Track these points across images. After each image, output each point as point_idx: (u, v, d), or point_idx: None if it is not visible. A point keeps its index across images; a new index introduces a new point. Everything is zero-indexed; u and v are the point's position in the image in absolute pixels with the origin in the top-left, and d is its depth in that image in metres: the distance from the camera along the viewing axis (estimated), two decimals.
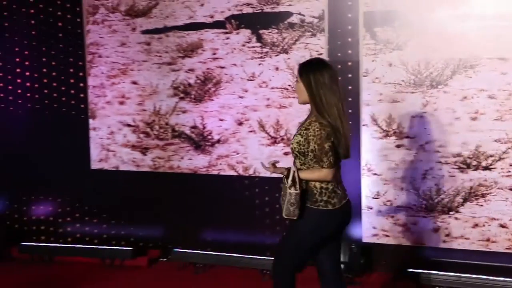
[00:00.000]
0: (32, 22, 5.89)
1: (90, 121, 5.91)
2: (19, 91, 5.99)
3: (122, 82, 5.82)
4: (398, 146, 5.16)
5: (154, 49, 5.72)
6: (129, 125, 5.85)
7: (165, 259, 5.86)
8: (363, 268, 5.28)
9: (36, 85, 5.97)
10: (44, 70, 5.93)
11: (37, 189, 6.05)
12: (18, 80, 5.98)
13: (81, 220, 5.99)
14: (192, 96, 5.68)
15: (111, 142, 5.90)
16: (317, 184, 3.57)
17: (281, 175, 3.60)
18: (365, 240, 5.30)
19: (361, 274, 5.26)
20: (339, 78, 3.68)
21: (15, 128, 6.02)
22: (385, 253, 5.28)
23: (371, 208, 5.26)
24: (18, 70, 5.96)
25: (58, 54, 5.90)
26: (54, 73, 5.92)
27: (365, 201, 5.26)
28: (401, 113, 5.12)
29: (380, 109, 5.17)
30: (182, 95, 5.70)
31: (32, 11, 5.88)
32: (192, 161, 5.72)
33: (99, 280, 5.51)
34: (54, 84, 5.93)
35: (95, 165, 5.95)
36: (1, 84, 6.01)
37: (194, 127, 5.70)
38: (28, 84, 5.97)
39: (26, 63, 5.95)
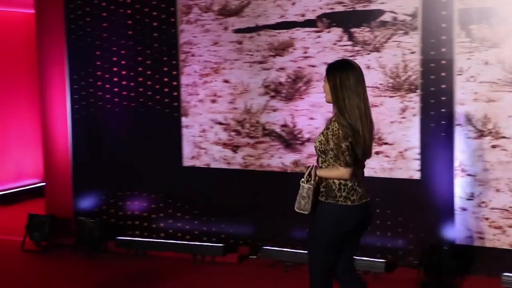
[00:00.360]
0: (129, 22, 6.07)
1: (183, 119, 6.04)
2: (116, 89, 6.18)
3: (214, 81, 5.92)
4: (493, 147, 5.02)
5: (246, 48, 5.79)
6: (220, 123, 5.94)
7: (254, 257, 5.91)
8: (456, 270, 5.15)
9: (132, 84, 6.14)
10: (140, 69, 6.10)
11: (132, 185, 6.23)
12: (115, 79, 6.17)
13: (173, 216, 6.13)
14: (283, 95, 5.71)
15: (203, 140, 6.00)
16: (336, 181, 3.65)
17: (303, 172, 3.74)
18: (458, 242, 5.18)
19: (453, 276, 5.14)
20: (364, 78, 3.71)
21: (111, 126, 6.22)
22: (479, 256, 5.14)
23: (465, 210, 5.14)
24: (115, 69, 6.16)
25: (153, 53, 6.05)
26: (148, 72, 6.08)
27: (459, 202, 5.14)
28: (497, 113, 4.97)
29: (475, 108, 5.03)
30: (273, 93, 5.74)
31: (129, 11, 6.06)
32: (282, 159, 5.76)
33: (190, 275, 5.63)
34: (149, 83, 6.09)
35: (187, 162, 6.07)
36: (99, 83, 6.23)
37: (285, 125, 5.73)
38: (124, 82, 6.16)
39: (123, 62, 6.14)
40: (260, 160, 5.83)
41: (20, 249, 6.30)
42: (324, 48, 5.53)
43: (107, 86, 6.22)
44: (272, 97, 5.75)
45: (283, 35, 5.66)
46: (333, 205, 3.65)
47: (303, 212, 3.75)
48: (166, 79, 6.05)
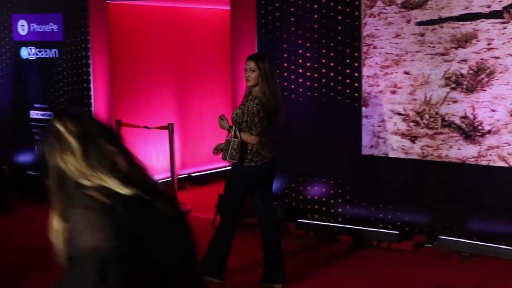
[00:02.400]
0: (315, 16, 6.39)
1: (363, 109, 6.23)
2: (300, 80, 6.52)
3: (395, 72, 6.05)
4: None
5: (428, 40, 5.85)
6: (399, 114, 6.06)
7: (430, 245, 5.97)
8: None
9: (315, 75, 6.45)
10: (323, 61, 6.38)
11: (312, 170, 6.52)
12: (300, 70, 6.52)
13: (350, 202, 6.35)
14: (464, 87, 5.71)
15: (382, 130, 6.16)
16: (248, 146, 4.89)
17: (224, 127, 5.00)
18: None
19: None
20: None
21: (296, 114, 6.57)
22: None
23: None
24: (300, 61, 6.51)
25: (336, 46, 6.31)
26: (331, 64, 6.34)
27: None
28: None
29: None
30: (453, 85, 5.76)
31: (315, 6, 6.37)
32: (461, 151, 5.76)
33: (365, 260, 5.83)
34: (331, 74, 6.36)
35: (366, 151, 6.25)
36: (285, 74, 6.61)
37: (465, 117, 5.73)
38: (308, 74, 6.48)
39: (308, 54, 6.46)
40: (438, 150, 5.88)
41: (212, 226, 6.87)
42: (510, 39, 5.46)
43: (292, 77, 6.57)
44: (453, 88, 5.77)
45: (467, 27, 5.66)
46: (242, 166, 4.90)
47: (233, 160, 4.89)
48: (348, 71, 6.28)
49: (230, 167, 5.17)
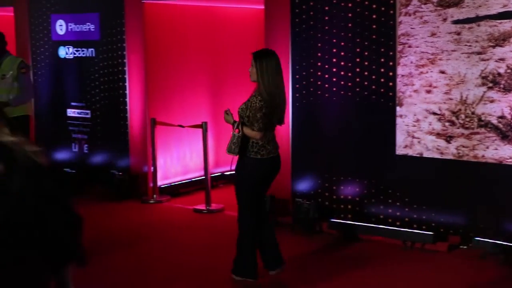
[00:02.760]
0: (349, 15, 6.35)
1: (397, 108, 6.17)
2: (334, 79, 6.49)
3: (430, 72, 5.98)
4: None
5: (464, 39, 5.77)
6: (434, 113, 5.99)
7: (465, 247, 5.89)
8: None
9: (349, 74, 6.41)
10: (357, 60, 6.34)
11: (346, 170, 6.48)
12: (334, 69, 6.48)
13: (384, 202, 6.29)
14: (501, 86, 5.62)
15: (416, 130, 6.09)
16: (251, 140, 5.00)
17: (229, 121, 5.14)
18: None
19: None
20: None
21: (329, 113, 6.54)
22: None
23: None
24: (334, 60, 6.47)
25: (370, 45, 6.26)
26: (366, 63, 6.29)
27: None
28: None
29: None
30: (490, 84, 5.67)
31: (349, 4, 6.33)
32: (498, 151, 5.67)
33: (399, 261, 5.78)
34: (365, 73, 6.31)
35: (400, 150, 6.19)
36: (319, 73, 6.59)
37: (502, 117, 5.63)
38: (342, 73, 6.44)
39: (342, 53, 6.42)
40: (474, 151, 5.79)
41: None
42: None
43: (326, 76, 6.54)
44: (490, 88, 5.68)
45: (505, 25, 5.57)
46: (249, 159, 5.00)
47: (232, 154, 5.01)
48: (382, 70, 6.23)
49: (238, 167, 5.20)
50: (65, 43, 8.57)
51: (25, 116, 7.56)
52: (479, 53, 5.71)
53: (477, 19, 5.70)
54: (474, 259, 5.69)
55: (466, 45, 5.77)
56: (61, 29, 8.59)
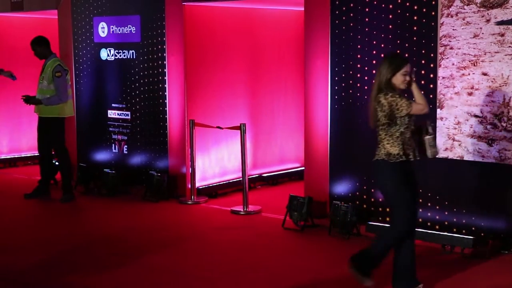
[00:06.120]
0: (390, 16, 6.30)
1: (438, 110, 6.09)
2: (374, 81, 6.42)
3: (472, 73, 5.89)
4: None
5: (508, 40, 5.68)
6: (476, 116, 5.90)
7: (506, 252, 5.78)
8: None
9: None
10: None
11: None
12: (373, 71, 6.42)
13: (423, 206, 6.20)
14: None
15: (457, 132, 6.01)
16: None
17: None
18: None
19: None
20: None
21: (367, 116, 6.48)
22: None
23: None
24: (374, 61, 6.43)
25: (411, 47, 6.20)
26: None
27: None
28: None
29: None
30: None
31: (390, 6, 6.28)
32: None
33: (439, 265, 5.70)
34: None
35: (440, 153, 6.10)
36: (359, 75, 6.55)
37: None
38: None
39: (382, 55, 6.37)
40: None
41: (281, 227, 6.88)
42: None
43: (366, 78, 6.50)
44: None
45: None
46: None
47: (436, 156, 5.15)
48: (423, 72, 6.16)
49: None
50: (106, 45, 8.69)
51: (54, 118, 7.99)
52: None
53: None
54: None
55: (510, 46, 5.68)
56: (103, 32, 8.71)
